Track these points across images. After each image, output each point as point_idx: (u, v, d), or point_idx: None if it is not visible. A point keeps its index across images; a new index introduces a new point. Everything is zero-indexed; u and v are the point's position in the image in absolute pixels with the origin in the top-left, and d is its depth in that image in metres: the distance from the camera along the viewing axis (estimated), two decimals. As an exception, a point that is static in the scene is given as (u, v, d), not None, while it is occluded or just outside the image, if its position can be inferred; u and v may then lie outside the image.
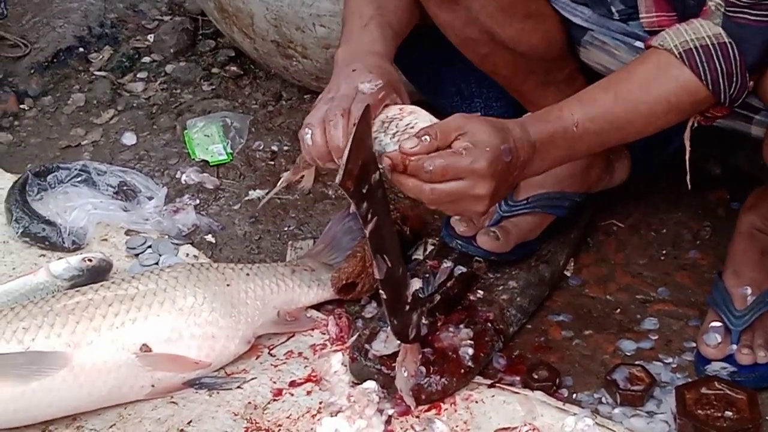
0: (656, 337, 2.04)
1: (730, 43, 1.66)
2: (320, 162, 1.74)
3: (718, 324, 1.96)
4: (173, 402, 1.90)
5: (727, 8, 1.66)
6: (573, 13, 1.91)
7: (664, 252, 2.23)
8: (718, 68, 1.66)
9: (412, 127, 1.68)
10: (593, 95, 1.73)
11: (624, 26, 1.87)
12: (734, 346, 1.93)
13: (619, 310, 2.11)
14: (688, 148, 1.78)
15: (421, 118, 1.71)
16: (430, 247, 2.17)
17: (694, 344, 2.00)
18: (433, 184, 1.62)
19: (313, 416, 1.86)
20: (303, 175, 1.89)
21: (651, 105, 1.70)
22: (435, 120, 1.70)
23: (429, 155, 1.61)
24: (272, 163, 2.50)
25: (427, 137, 1.62)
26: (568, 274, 2.18)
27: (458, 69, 2.10)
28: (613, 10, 1.86)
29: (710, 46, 1.66)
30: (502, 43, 1.93)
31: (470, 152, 1.61)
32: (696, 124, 1.76)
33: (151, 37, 2.95)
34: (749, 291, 1.97)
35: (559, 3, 1.91)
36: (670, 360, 1.99)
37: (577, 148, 1.73)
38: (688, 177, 1.79)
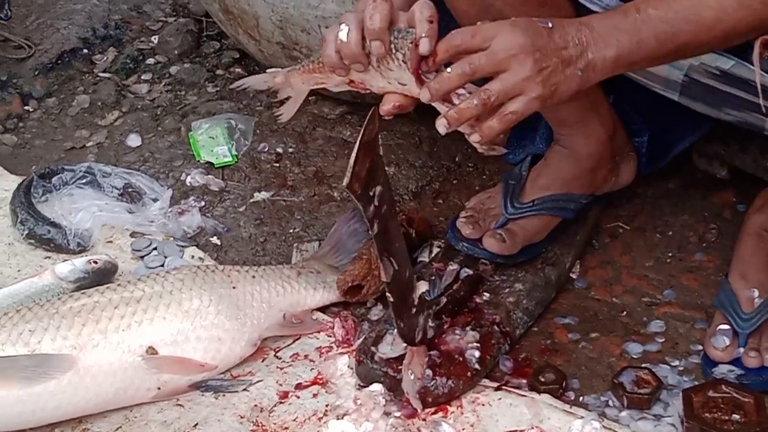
0: (663, 340, 2.03)
1: None
2: (342, 61, 1.65)
3: (726, 327, 1.96)
4: (179, 404, 1.90)
5: None
6: (591, 0, 1.88)
7: (670, 254, 2.23)
8: None
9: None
10: None
11: None
12: (741, 349, 1.93)
13: (625, 312, 2.11)
14: (757, 70, 1.67)
15: None
16: (436, 250, 2.16)
17: (700, 347, 2.00)
18: (483, 95, 1.57)
19: (320, 419, 1.86)
20: (288, 98, 1.84)
21: None
22: None
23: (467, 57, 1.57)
24: (277, 165, 2.50)
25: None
26: (573, 276, 2.18)
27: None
28: None
29: None
30: None
31: (498, 37, 1.57)
32: (762, 47, 1.68)
33: (155, 39, 2.95)
34: (756, 293, 1.97)
35: None
36: (676, 363, 1.98)
37: (644, 35, 1.62)
38: (760, 99, 1.69)
